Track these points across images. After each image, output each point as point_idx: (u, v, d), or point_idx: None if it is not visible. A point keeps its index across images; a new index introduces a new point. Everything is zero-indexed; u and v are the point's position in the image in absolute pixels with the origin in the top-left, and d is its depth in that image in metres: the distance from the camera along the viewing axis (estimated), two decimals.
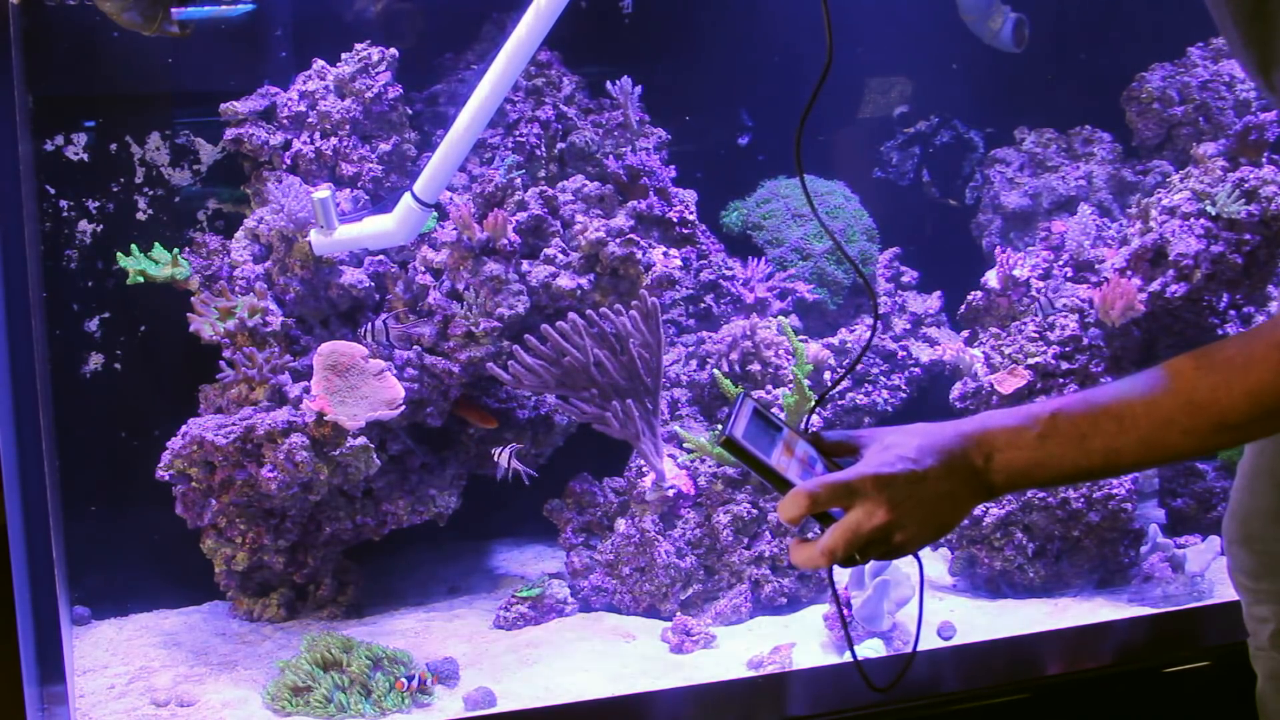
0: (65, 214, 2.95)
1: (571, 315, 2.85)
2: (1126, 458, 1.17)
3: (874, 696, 2.06)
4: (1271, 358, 1.10)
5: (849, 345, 3.31)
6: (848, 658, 2.60)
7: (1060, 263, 3.17)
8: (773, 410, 1.50)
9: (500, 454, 2.91)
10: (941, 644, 2.66)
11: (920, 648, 2.65)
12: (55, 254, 2.95)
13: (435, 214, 3.05)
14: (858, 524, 1.20)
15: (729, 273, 3.31)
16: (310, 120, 3.04)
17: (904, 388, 3.36)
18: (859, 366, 3.31)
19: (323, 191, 2.74)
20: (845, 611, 2.68)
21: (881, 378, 3.36)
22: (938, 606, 2.88)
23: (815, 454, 1.30)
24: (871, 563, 1.27)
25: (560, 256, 3.05)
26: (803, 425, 1.37)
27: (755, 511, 2.92)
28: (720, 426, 2.96)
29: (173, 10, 2.36)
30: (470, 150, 2.68)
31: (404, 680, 2.47)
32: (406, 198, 2.68)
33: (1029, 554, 2.93)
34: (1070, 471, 1.20)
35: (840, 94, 3.65)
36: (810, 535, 1.26)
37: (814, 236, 3.46)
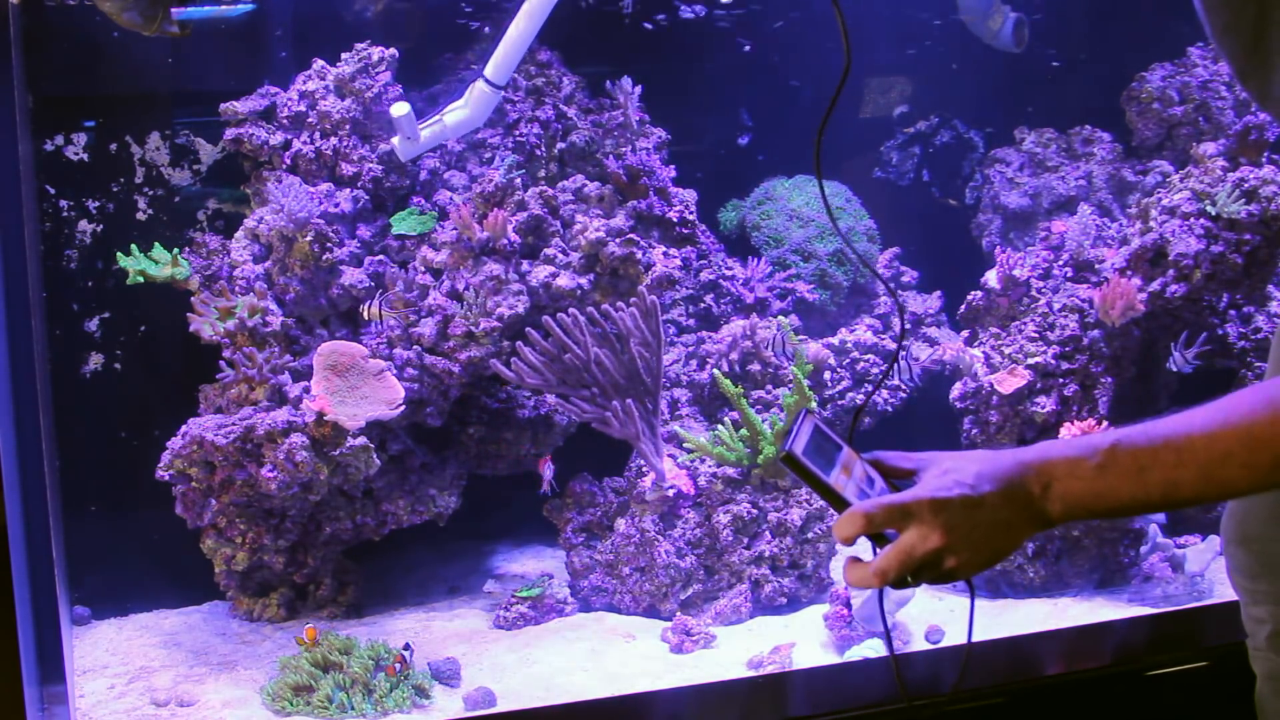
0: (65, 214, 2.95)
1: (572, 310, 2.85)
2: (1185, 491, 1.16)
3: (875, 696, 2.06)
4: None
5: (849, 345, 3.31)
6: (848, 657, 2.60)
7: (1060, 263, 3.17)
8: (834, 428, 1.50)
9: (544, 465, 2.95)
10: (929, 647, 2.66)
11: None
12: (55, 254, 2.95)
13: (433, 213, 3.06)
14: (912, 546, 1.20)
15: (729, 273, 3.31)
16: (310, 120, 3.04)
17: (904, 387, 3.36)
18: (860, 366, 3.31)
19: (402, 106, 2.88)
20: (829, 606, 2.69)
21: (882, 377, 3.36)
22: (937, 606, 2.88)
23: (874, 474, 1.30)
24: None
25: (560, 256, 3.05)
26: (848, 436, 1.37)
27: (755, 511, 2.92)
28: (719, 426, 2.96)
29: (173, 10, 2.36)
30: (531, 41, 2.84)
31: (394, 667, 2.48)
32: (479, 83, 2.86)
33: (1029, 554, 2.93)
34: (1128, 503, 1.19)
35: (841, 94, 3.65)
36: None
37: (815, 237, 3.46)
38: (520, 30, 2.80)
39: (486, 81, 2.86)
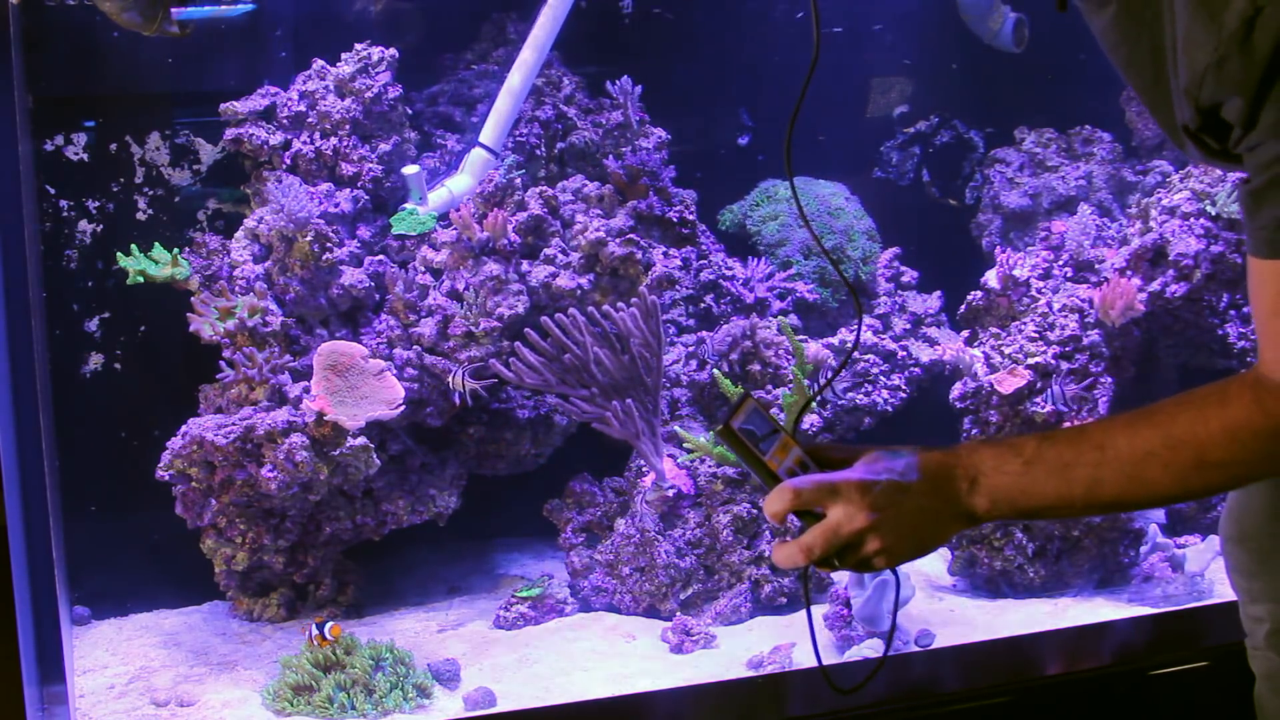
0: (65, 214, 2.95)
1: (571, 310, 2.85)
2: (1108, 489, 1.18)
3: (875, 696, 2.06)
4: (1245, 395, 1.13)
5: (848, 345, 3.31)
6: (849, 657, 2.60)
7: (1060, 263, 3.17)
8: (773, 411, 1.53)
9: (455, 375, 2.86)
10: (916, 649, 2.66)
11: (903, 653, 2.66)
12: (55, 254, 2.95)
13: (433, 213, 3.06)
14: (838, 524, 1.23)
15: (729, 273, 3.31)
16: (310, 120, 3.04)
17: (904, 388, 3.36)
18: (860, 366, 3.31)
19: (413, 167, 2.96)
20: (829, 606, 2.69)
21: (881, 378, 3.36)
22: (937, 606, 2.88)
23: (808, 460, 1.33)
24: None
25: (560, 256, 3.05)
26: (788, 422, 1.40)
27: (755, 511, 2.92)
28: (721, 425, 2.96)
29: (173, 10, 2.36)
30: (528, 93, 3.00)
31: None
32: (477, 151, 3.00)
33: (1029, 554, 2.93)
34: (1053, 501, 1.21)
35: (840, 94, 3.65)
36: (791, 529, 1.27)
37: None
38: (510, 100, 2.97)
39: (484, 148, 3.00)
